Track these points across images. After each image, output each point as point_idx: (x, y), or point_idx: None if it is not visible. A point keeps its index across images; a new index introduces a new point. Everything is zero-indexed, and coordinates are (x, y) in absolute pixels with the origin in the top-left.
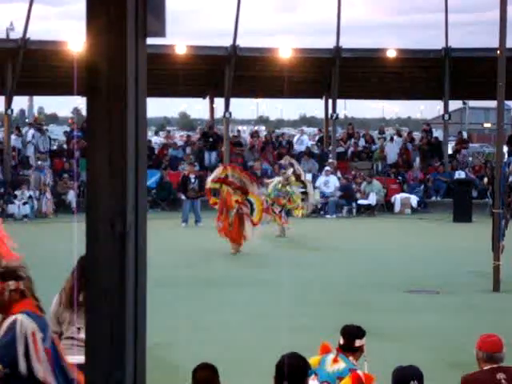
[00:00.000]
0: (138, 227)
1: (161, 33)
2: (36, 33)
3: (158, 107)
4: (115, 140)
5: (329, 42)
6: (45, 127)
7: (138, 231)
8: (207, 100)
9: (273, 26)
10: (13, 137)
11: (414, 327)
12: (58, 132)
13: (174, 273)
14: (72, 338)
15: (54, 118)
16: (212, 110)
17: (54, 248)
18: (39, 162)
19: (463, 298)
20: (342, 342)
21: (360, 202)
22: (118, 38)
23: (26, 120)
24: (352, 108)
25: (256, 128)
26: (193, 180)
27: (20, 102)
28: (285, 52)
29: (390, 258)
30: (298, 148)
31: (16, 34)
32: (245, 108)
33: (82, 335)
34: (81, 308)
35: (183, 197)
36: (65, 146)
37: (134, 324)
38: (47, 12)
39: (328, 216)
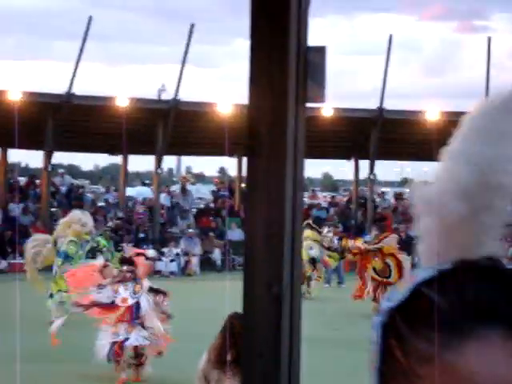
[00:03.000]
0: (293, 289)
1: (321, 98)
2: (186, 94)
3: None
4: (273, 203)
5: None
6: (188, 187)
7: (294, 293)
8: (351, 161)
9: (419, 89)
10: (162, 195)
11: None
12: (204, 191)
13: (317, 333)
14: None
15: (200, 177)
16: (357, 171)
17: (200, 306)
18: (190, 230)
19: None
20: None
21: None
22: (280, 103)
23: (174, 179)
24: None
25: (400, 190)
26: (336, 241)
27: (169, 162)
28: (432, 115)
29: None
30: None
31: (167, 95)
32: (388, 170)
33: None
34: (229, 367)
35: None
36: (211, 205)
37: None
38: (197, 73)
39: None
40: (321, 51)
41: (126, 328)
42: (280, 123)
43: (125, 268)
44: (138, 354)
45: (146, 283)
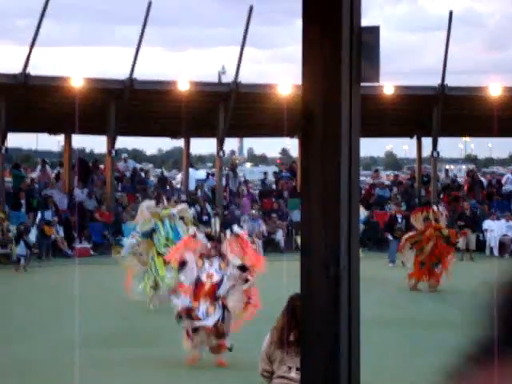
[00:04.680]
0: (351, 270)
1: (375, 78)
2: (247, 76)
3: (364, 147)
4: (329, 185)
5: None
6: (240, 168)
7: (352, 273)
8: (414, 139)
9: (482, 65)
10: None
11: None
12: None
13: (380, 312)
14: (283, 377)
15: (263, 159)
16: (420, 149)
17: (264, 287)
18: (253, 211)
19: None
20: None
21: None
22: (333, 83)
23: (237, 161)
24: None
25: (464, 167)
26: (400, 220)
27: (231, 143)
28: (495, 90)
29: None
30: (508, 187)
31: (228, 77)
32: (453, 147)
33: (293, 374)
34: (291, 347)
35: (390, 236)
36: (273, 186)
37: (348, 368)
38: (258, 55)
39: None
40: (374, 31)
41: (206, 307)
42: (334, 104)
43: (209, 244)
44: (219, 333)
45: (233, 260)
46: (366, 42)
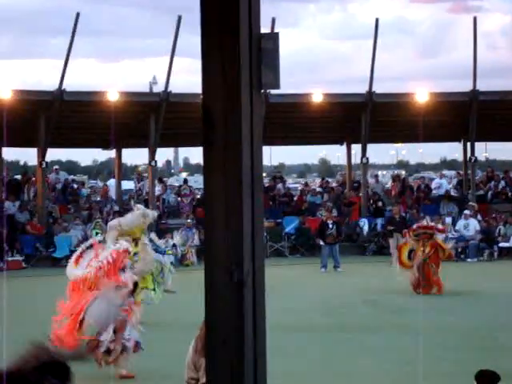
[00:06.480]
0: (255, 275)
1: (275, 84)
2: (180, 86)
3: (298, 155)
4: (230, 191)
5: (467, 86)
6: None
7: (256, 279)
8: (344, 146)
9: (411, 72)
10: (157, 188)
11: None
12: (202, 181)
13: (311, 318)
14: None
15: (199, 168)
16: (349, 156)
17: (194, 296)
18: (188, 220)
19: None
20: None
21: (501, 244)
22: (233, 90)
23: (172, 170)
24: (495, 149)
25: (396, 172)
26: (331, 226)
27: (167, 154)
28: (421, 96)
29: None
30: (437, 192)
31: (159, 88)
32: (384, 153)
33: None
34: None
35: (322, 242)
36: None
37: (254, 372)
38: (188, 64)
39: (469, 260)
40: (274, 38)
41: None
42: (234, 111)
43: None
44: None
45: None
46: (266, 49)
